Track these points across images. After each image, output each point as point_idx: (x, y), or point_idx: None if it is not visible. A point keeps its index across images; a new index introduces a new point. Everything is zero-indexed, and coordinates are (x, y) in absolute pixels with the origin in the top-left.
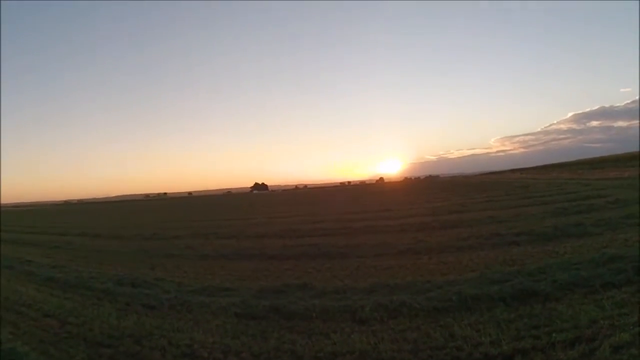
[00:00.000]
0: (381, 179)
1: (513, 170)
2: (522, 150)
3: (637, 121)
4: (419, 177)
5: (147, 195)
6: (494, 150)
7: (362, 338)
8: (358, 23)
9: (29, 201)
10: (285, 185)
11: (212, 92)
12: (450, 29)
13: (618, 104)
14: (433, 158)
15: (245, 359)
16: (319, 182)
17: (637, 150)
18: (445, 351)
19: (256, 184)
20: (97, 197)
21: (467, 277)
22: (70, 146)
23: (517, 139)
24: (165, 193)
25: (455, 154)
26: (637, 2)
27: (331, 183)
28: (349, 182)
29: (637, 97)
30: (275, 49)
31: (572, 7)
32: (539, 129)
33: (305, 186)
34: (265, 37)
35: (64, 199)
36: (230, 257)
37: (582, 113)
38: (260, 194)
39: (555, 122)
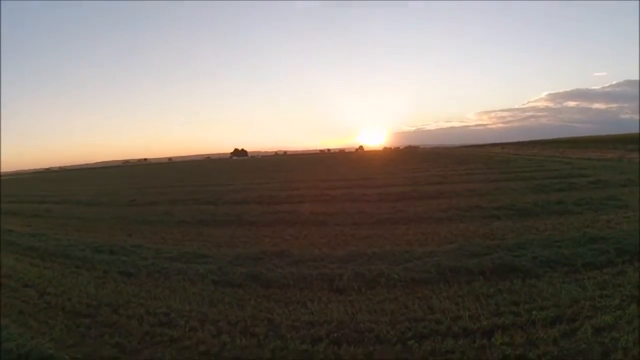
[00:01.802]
0: (361, 147)
1: (494, 145)
2: (500, 125)
3: (615, 105)
4: (398, 147)
5: (126, 161)
6: (473, 123)
7: (340, 308)
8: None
9: (10, 170)
10: (264, 152)
11: (193, 57)
12: (432, 5)
13: (594, 87)
14: (411, 129)
15: (222, 328)
16: (298, 149)
17: (619, 133)
18: (423, 324)
19: (236, 150)
20: (77, 164)
21: (446, 249)
22: (51, 113)
23: (494, 114)
24: (145, 159)
25: (432, 125)
26: None
27: (311, 150)
28: (328, 150)
29: (614, 82)
30: (263, 14)
31: None
32: (516, 106)
33: (285, 153)
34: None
35: (45, 167)
36: (208, 223)
37: (557, 93)
38: (239, 160)
39: (532, 99)
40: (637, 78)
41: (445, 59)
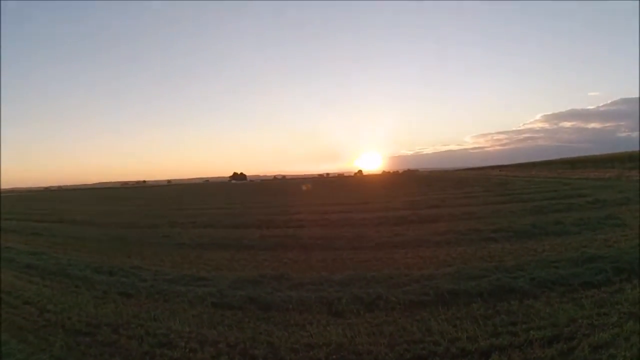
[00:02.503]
0: (360, 171)
1: (492, 167)
2: (498, 147)
3: (611, 123)
4: (397, 171)
5: (125, 183)
6: (470, 146)
7: (339, 330)
8: (342, 30)
9: (9, 187)
10: (263, 176)
11: (193, 82)
12: (427, 30)
13: (590, 107)
14: (409, 153)
15: (222, 349)
16: (297, 174)
17: (617, 151)
18: (421, 346)
19: (235, 173)
20: (76, 184)
21: (445, 272)
22: (51, 134)
23: (491, 136)
24: (144, 181)
25: (430, 149)
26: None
27: (310, 175)
28: (327, 174)
29: (609, 101)
30: (260, 42)
31: (541, 11)
32: (512, 128)
33: (284, 177)
34: (251, 28)
35: (44, 186)
36: (207, 246)
37: (552, 114)
38: (238, 184)
39: (528, 122)
40: (633, 96)
41: (439, 84)
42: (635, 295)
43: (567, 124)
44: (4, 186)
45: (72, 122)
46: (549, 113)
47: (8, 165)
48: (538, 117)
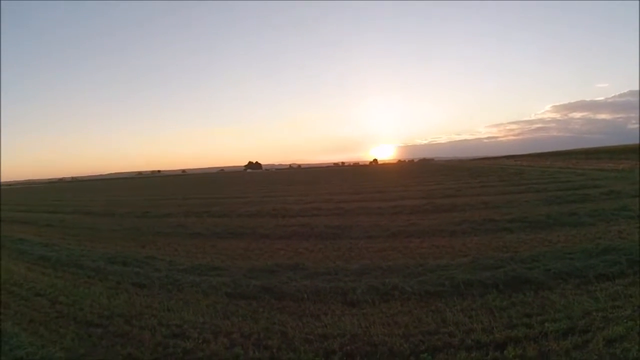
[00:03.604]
0: (375, 160)
1: (507, 157)
2: (511, 137)
3: (622, 115)
4: (412, 160)
5: (139, 173)
6: (484, 136)
7: (353, 321)
8: (355, 21)
9: (24, 179)
10: (279, 165)
11: (207, 71)
12: (441, 23)
13: (599, 98)
14: (423, 142)
15: (235, 340)
16: (313, 163)
17: (629, 143)
18: (436, 337)
19: (250, 162)
20: (90, 174)
21: (460, 262)
22: (65, 124)
23: (503, 126)
24: (158, 171)
25: (443, 138)
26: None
27: (325, 164)
28: (342, 163)
29: (617, 93)
30: (277, 34)
31: (550, 4)
32: (524, 118)
33: (299, 166)
34: (269, 20)
35: (58, 177)
36: (222, 235)
37: (561, 105)
38: (253, 173)
39: (539, 112)
40: None
41: (452, 75)
42: None
43: (577, 115)
44: (18, 178)
45: (87, 114)
46: (558, 104)
47: (23, 157)
48: (548, 107)
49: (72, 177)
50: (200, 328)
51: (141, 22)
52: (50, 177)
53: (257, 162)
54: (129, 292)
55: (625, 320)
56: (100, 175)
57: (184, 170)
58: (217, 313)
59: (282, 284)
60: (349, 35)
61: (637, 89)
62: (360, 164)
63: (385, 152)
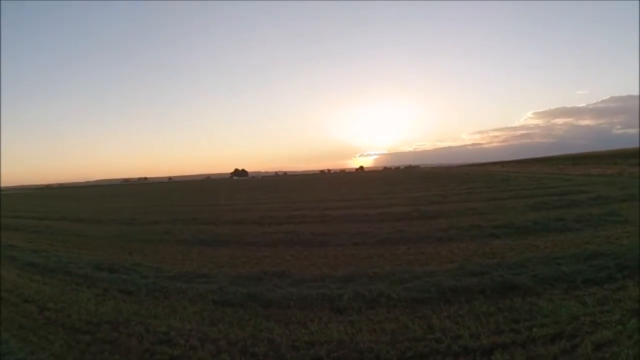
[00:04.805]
0: (361, 167)
1: (493, 163)
2: (495, 144)
3: (605, 120)
4: (398, 167)
5: (126, 180)
6: (468, 143)
7: (340, 328)
8: (340, 28)
9: (11, 185)
10: (265, 172)
11: (194, 78)
12: (425, 33)
13: (580, 105)
14: (409, 149)
15: (222, 347)
16: (299, 170)
17: (615, 148)
18: (423, 343)
19: (236, 170)
20: (77, 181)
21: (446, 269)
22: (52, 132)
23: (487, 133)
24: (145, 178)
25: (428, 145)
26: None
27: (311, 171)
28: (328, 170)
29: (599, 99)
30: (265, 40)
31: (531, 16)
32: (508, 125)
33: (285, 173)
34: (254, 28)
35: (46, 183)
36: (209, 243)
37: (543, 112)
38: (239, 180)
39: (521, 119)
40: (622, 94)
41: (434, 83)
42: (638, 293)
43: (560, 121)
44: (6, 184)
45: (74, 120)
46: (539, 110)
47: (10, 164)
48: (529, 114)
49: (59, 184)
50: (187, 335)
51: (121, 28)
52: (37, 184)
53: (243, 170)
54: (116, 299)
55: (614, 325)
56: (88, 182)
57: (170, 178)
58: (203, 320)
59: (269, 291)
60: (334, 43)
61: (618, 94)
62: (346, 171)
63: (371, 159)
